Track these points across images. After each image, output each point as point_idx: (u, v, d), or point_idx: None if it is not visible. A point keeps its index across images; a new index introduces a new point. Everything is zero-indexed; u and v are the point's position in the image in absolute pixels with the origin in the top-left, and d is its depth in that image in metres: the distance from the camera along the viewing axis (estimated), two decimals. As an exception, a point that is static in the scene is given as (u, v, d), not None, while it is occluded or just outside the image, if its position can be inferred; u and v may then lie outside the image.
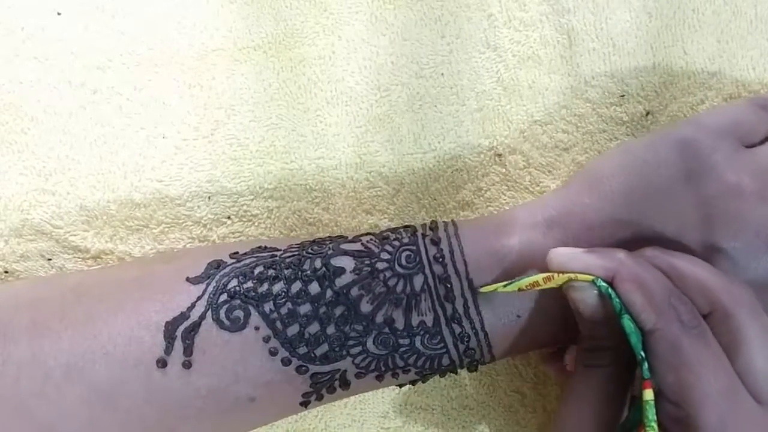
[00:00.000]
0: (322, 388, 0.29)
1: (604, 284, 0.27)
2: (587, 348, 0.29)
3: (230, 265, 0.29)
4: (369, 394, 0.37)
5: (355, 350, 0.28)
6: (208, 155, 0.36)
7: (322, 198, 0.37)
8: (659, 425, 0.26)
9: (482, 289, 0.29)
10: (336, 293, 0.28)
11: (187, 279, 0.29)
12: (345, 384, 0.29)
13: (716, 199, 0.29)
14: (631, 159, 0.30)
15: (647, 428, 0.26)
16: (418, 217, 0.37)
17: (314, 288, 0.28)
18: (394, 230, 0.31)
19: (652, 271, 0.27)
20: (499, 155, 0.37)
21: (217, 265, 0.29)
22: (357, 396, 0.37)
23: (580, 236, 0.29)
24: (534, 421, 0.37)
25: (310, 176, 0.36)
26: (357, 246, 0.30)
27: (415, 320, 0.29)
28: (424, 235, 0.30)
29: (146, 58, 0.36)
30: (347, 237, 0.31)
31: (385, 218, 0.37)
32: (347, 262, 0.29)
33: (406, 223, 0.32)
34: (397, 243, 0.30)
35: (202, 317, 0.28)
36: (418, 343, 0.29)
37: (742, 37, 0.36)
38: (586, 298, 0.27)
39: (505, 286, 0.28)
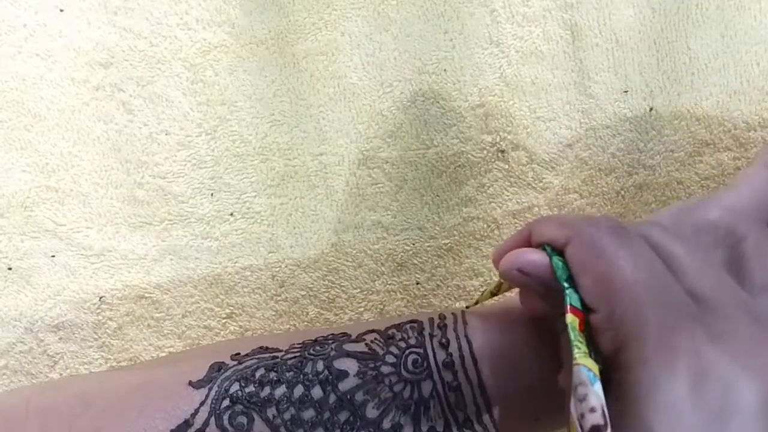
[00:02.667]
0: None
1: (547, 248, 0.26)
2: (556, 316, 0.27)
3: (232, 367, 0.29)
4: None
5: None
6: (211, 152, 0.36)
7: (324, 194, 0.36)
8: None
9: (471, 308, 0.28)
10: (339, 398, 0.28)
11: (190, 383, 0.28)
12: None
13: (741, 290, 0.26)
14: (652, 259, 0.26)
15: (572, 347, 0.24)
16: (420, 214, 0.37)
17: (317, 392, 0.28)
18: (399, 327, 0.30)
19: (622, 236, 0.25)
20: (502, 151, 0.37)
21: (219, 368, 0.29)
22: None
23: (598, 336, 0.27)
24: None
25: (313, 173, 0.36)
26: (360, 347, 0.29)
27: (424, 426, 0.28)
28: (431, 335, 0.29)
29: (149, 55, 0.36)
30: (350, 335, 0.30)
31: (388, 214, 0.37)
32: (350, 365, 0.28)
33: (413, 318, 0.30)
34: (402, 344, 0.29)
35: (206, 424, 0.27)
36: None
37: (747, 33, 0.36)
38: (538, 269, 0.26)
39: (478, 301, 0.27)
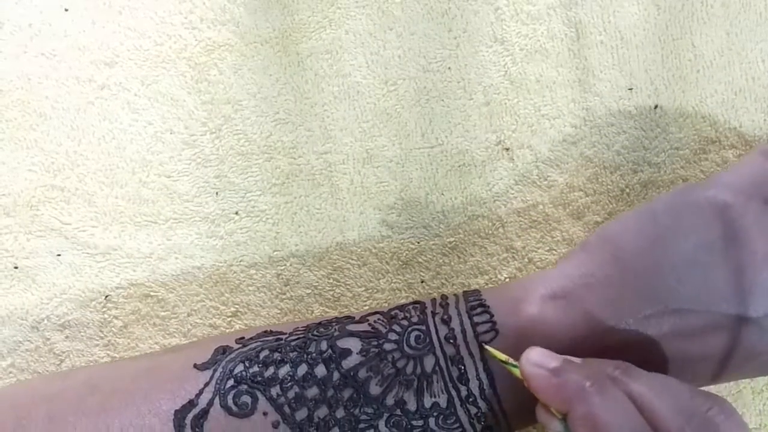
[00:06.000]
0: None
1: (566, 427, 0.26)
2: None
3: (236, 350, 0.29)
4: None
5: None
6: (215, 150, 0.36)
7: (329, 193, 0.37)
8: None
9: (489, 349, 0.27)
10: (343, 376, 0.28)
11: (195, 366, 0.29)
12: None
13: (748, 269, 0.27)
14: (654, 227, 0.28)
15: None
16: (425, 212, 0.37)
17: (321, 371, 0.28)
18: (402, 308, 0.30)
19: (614, 403, 0.25)
20: (507, 149, 0.37)
21: (223, 350, 0.29)
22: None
23: (600, 310, 0.28)
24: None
25: (318, 171, 0.36)
26: (364, 327, 0.29)
27: (427, 402, 0.28)
28: (434, 313, 0.29)
29: (154, 54, 0.36)
30: (354, 317, 0.30)
31: (392, 213, 0.37)
32: (354, 344, 0.29)
33: (416, 299, 0.31)
34: (405, 322, 0.29)
35: (210, 404, 0.28)
36: (432, 424, 0.28)
37: (752, 30, 0.36)
38: (550, 426, 0.26)
39: (509, 363, 0.27)
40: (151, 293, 0.36)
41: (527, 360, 0.26)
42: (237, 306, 0.37)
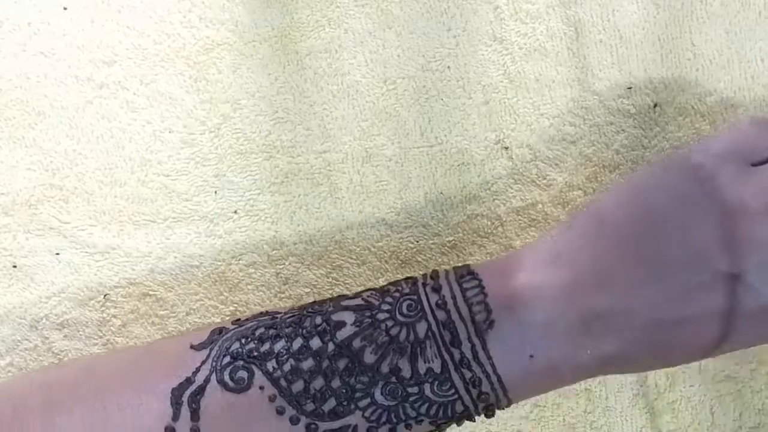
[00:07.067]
0: None
1: None
2: None
3: (233, 330, 0.29)
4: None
5: (363, 402, 0.28)
6: (214, 149, 0.36)
7: (328, 192, 0.37)
8: None
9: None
10: (338, 346, 0.28)
11: (191, 346, 0.29)
12: None
13: (723, 223, 0.28)
14: (634, 190, 0.30)
15: None
16: (424, 212, 0.37)
17: (316, 343, 0.28)
18: (394, 283, 0.31)
19: None
20: (506, 148, 0.37)
21: (220, 331, 0.29)
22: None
23: (589, 276, 0.28)
24: (540, 414, 0.37)
25: (317, 170, 0.36)
26: (357, 301, 0.30)
27: (422, 367, 0.28)
28: (424, 284, 0.30)
29: (152, 53, 0.36)
30: (347, 295, 0.31)
31: (391, 212, 0.37)
32: (347, 317, 0.29)
33: (408, 275, 0.32)
34: (397, 294, 0.30)
35: (207, 380, 0.28)
36: (427, 391, 0.28)
37: (751, 29, 0.36)
38: None
39: None
40: (150, 292, 0.36)
41: None
42: (236, 305, 0.37)
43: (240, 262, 0.36)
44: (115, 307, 0.36)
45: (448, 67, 0.37)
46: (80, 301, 0.36)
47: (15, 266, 0.36)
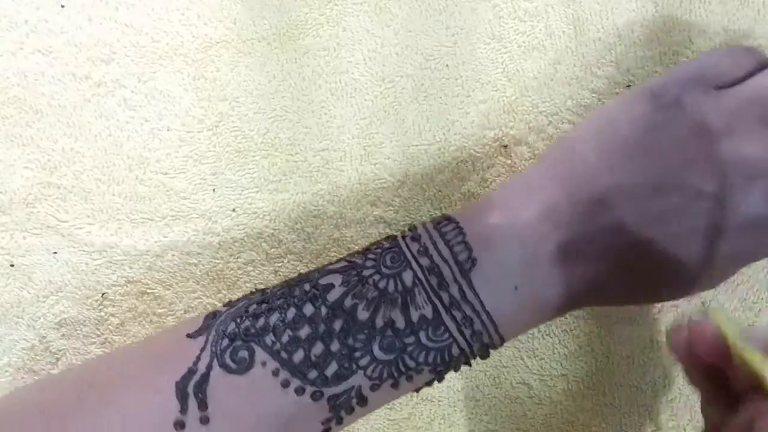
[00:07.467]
0: (340, 410, 0.29)
1: None
2: None
3: (225, 312, 0.29)
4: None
5: (363, 361, 0.28)
6: (212, 147, 0.36)
7: (327, 190, 0.36)
8: None
9: (716, 316, 0.27)
10: (330, 308, 0.28)
11: (188, 335, 0.29)
12: (362, 400, 0.29)
13: (688, 143, 0.28)
14: (603, 121, 0.30)
15: None
16: (423, 209, 0.37)
17: (309, 309, 0.28)
18: (374, 243, 0.31)
19: None
20: (505, 146, 0.37)
21: (213, 315, 0.29)
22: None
23: (564, 204, 0.29)
24: (540, 412, 0.37)
25: (315, 168, 0.36)
26: (342, 264, 0.30)
27: (414, 315, 0.29)
28: (404, 237, 0.30)
29: (150, 51, 0.36)
30: (331, 262, 0.31)
31: (390, 210, 0.37)
32: (335, 279, 0.29)
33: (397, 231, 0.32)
34: (378, 250, 0.30)
35: (210, 367, 0.28)
36: (423, 339, 0.29)
37: (750, 27, 0.36)
38: None
39: (756, 356, 0.25)
40: (148, 290, 0.36)
41: None
42: (234, 303, 0.37)
43: (238, 260, 0.36)
44: (113, 306, 0.36)
45: (447, 65, 0.37)
46: (78, 300, 0.36)
47: (12, 265, 0.35)
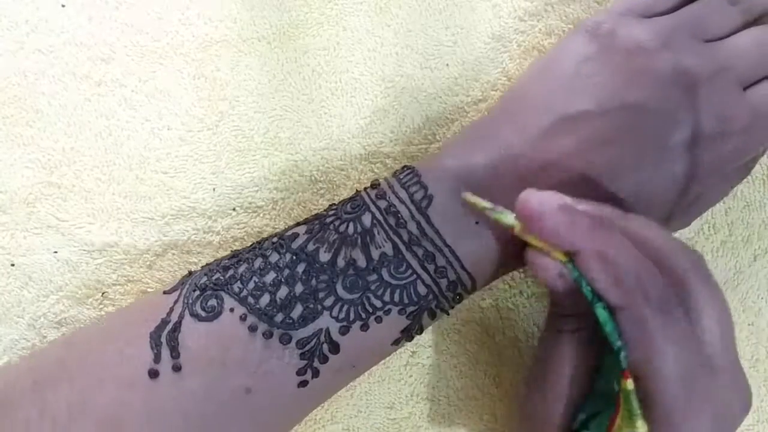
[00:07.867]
0: (313, 358, 0.29)
1: (575, 272, 0.26)
2: (556, 312, 0.29)
3: (200, 269, 0.31)
4: (375, 384, 0.37)
5: (328, 301, 0.29)
6: (212, 147, 0.36)
7: (326, 189, 0.36)
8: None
9: (468, 198, 0.29)
10: (294, 254, 0.29)
11: (164, 292, 0.30)
12: (333, 346, 0.29)
13: (626, 64, 0.30)
14: (544, 62, 0.32)
15: (634, 417, 0.25)
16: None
17: (274, 257, 0.29)
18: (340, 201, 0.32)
19: (619, 242, 0.26)
20: (505, 146, 0.37)
21: (189, 273, 0.31)
22: (363, 386, 0.37)
23: (518, 144, 0.30)
24: (540, 412, 0.37)
25: (315, 167, 0.36)
26: (307, 218, 0.31)
27: (375, 254, 0.29)
28: (366, 189, 0.31)
29: (150, 50, 0.36)
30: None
31: (390, 210, 0.37)
32: (300, 229, 0.31)
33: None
34: (341, 203, 0.31)
35: (181, 316, 0.29)
36: (386, 276, 0.29)
37: (749, 26, 0.36)
38: (549, 275, 0.27)
39: (493, 210, 0.28)
40: (148, 290, 0.36)
41: (530, 200, 0.27)
42: (234, 303, 0.37)
43: (238, 259, 0.36)
44: (114, 305, 0.36)
45: (447, 65, 0.37)
46: (78, 299, 0.36)
47: (13, 264, 0.35)
